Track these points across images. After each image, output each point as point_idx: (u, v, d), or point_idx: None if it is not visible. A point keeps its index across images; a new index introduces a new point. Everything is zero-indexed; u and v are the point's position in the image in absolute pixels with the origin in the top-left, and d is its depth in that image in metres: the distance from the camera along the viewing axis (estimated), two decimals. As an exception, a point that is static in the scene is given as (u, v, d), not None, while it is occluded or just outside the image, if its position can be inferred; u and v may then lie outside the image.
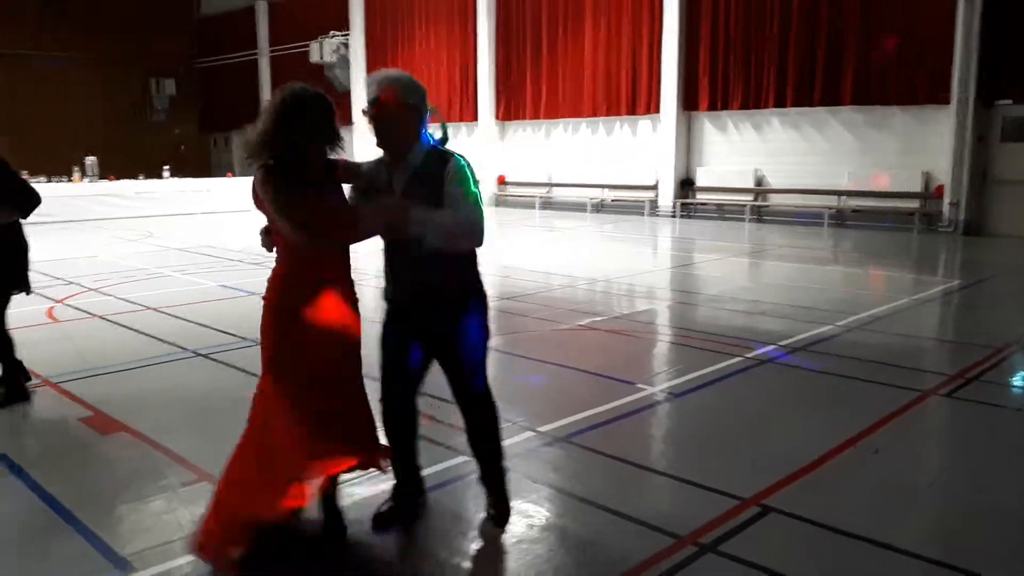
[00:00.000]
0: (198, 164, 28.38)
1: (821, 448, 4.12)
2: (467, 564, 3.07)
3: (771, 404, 5.01)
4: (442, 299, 3.08)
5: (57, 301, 8.19)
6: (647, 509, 3.46)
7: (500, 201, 21.09)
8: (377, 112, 2.94)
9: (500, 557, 3.08)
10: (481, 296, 3.19)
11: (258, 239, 3.16)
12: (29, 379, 5.08)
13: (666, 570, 2.95)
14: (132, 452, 4.16)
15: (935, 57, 13.76)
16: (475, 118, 21.13)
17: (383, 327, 3.23)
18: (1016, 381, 5.53)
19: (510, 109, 20.61)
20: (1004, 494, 3.66)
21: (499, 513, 3.29)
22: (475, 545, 3.20)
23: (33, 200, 4.84)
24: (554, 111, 19.54)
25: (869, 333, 6.76)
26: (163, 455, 4.08)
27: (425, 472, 3.86)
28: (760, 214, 16.73)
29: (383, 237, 3.08)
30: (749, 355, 5.97)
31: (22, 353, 5.07)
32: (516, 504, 3.47)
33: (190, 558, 3.03)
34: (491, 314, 3.23)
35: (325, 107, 2.95)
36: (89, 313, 7.63)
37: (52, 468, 3.94)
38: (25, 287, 5.02)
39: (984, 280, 9.77)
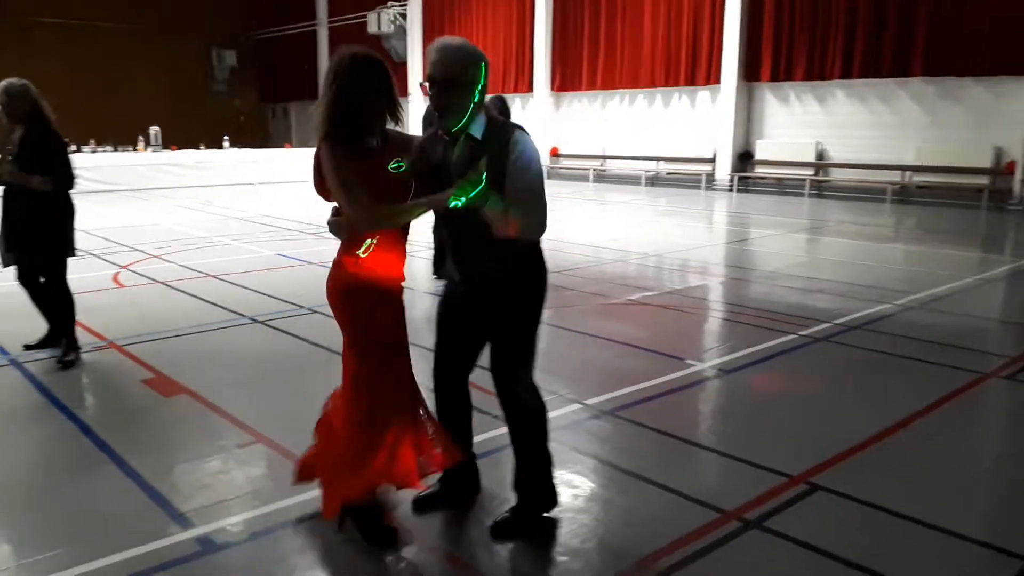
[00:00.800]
0: (257, 135, 28.89)
1: (873, 428, 4.05)
2: (511, 531, 3.11)
3: (824, 383, 4.93)
4: (503, 287, 2.96)
5: (122, 267, 8.47)
6: (693, 483, 3.46)
7: (553, 173, 20.99)
8: (429, 86, 2.83)
9: (546, 526, 3.12)
10: (539, 286, 3.04)
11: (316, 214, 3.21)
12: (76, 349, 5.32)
13: (710, 543, 2.96)
14: (191, 413, 4.32)
15: (1012, 25, 13.15)
16: (530, 89, 21.00)
17: (443, 302, 3.17)
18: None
19: (566, 80, 20.42)
20: (1065, 480, 3.56)
21: (520, 512, 3.11)
22: (520, 513, 3.24)
23: (68, 183, 5.03)
24: (611, 82, 19.30)
25: (929, 313, 6.58)
26: (221, 417, 4.23)
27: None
28: (821, 189, 16.32)
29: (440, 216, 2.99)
30: (803, 332, 5.88)
31: (90, 317, 5.30)
32: (561, 475, 3.51)
33: (245, 516, 3.15)
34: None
35: (380, 69, 2.81)
36: (152, 279, 7.89)
37: (116, 427, 4.11)
38: (72, 251, 5.28)
39: (1055, 260, 9.39)
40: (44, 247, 5.09)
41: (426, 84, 2.84)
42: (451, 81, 2.79)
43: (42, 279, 5.21)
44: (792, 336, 5.80)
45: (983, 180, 13.98)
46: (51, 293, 5.22)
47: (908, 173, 14.88)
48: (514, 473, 3.14)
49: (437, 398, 3.22)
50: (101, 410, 4.49)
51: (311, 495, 3.32)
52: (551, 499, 3.14)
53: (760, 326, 6.11)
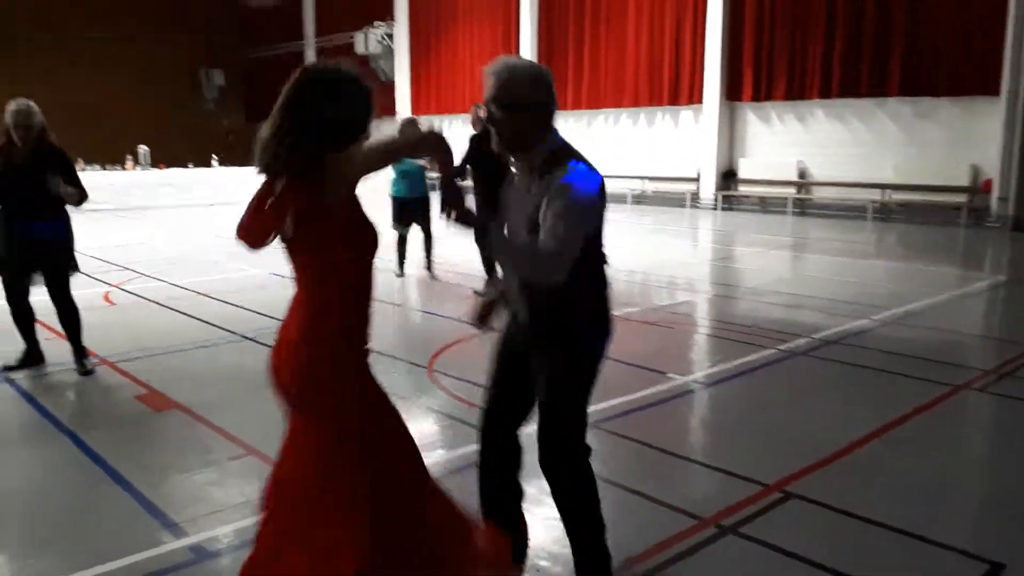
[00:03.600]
0: (246, 154, 28.91)
1: (848, 438, 4.19)
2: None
3: (801, 395, 5.07)
4: (538, 329, 2.67)
5: (113, 286, 8.54)
6: (670, 492, 3.58)
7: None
8: (485, 114, 2.57)
9: (529, 534, 3.22)
10: (580, 337, 2.64)
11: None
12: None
13: (685, 549, 3.08)
14: (183, 427, 4.40)
15: (985, 46, 13.47)
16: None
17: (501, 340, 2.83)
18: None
19: (552, 100, 20.66)
20: (1029, 487, 3.70)
21: None
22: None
23: (86, 196, 5.28)
24: (596, 101, 19.55)
25: (906, 328, 6.75)
26: (212, 431, 4.31)
27: (459, 452, 4.04)
28: (803, 207, 16.58)
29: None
30: (782, 347, 6.02)
31: (86, 334, 5.45)
32: (543, 484, 3.60)
33: (237, 525, 3.24)
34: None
35: (362, 92, 2.30)
36: (143, 297, 7.96)
37: (110, 441, 4.19)
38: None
39: (1030, 276, 9.61)
40: (67, 258, 5.30)
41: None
42: (488, 109, 2.60)
43: (51, 293, 5.33)
44: (771, 351, 5.94)
45: (961, 198, 14.26)
46: (63, 306, 5.33)
47: (888, 191, 15.14)
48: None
49: (482, 458, 2.90)
50: (95, 424, 4.56)
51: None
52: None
53: (741, 341, 6.25)
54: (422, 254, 9.16)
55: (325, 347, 2.31)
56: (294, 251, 2.30)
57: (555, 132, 2.59)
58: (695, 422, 4.75)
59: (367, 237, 2.32)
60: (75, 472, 3.83)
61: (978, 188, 14.06)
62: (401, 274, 9.04)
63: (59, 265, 5.29)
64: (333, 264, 2.28)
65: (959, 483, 3.80)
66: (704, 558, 3.03)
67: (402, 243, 9.13)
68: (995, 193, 13.76)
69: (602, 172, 2.60)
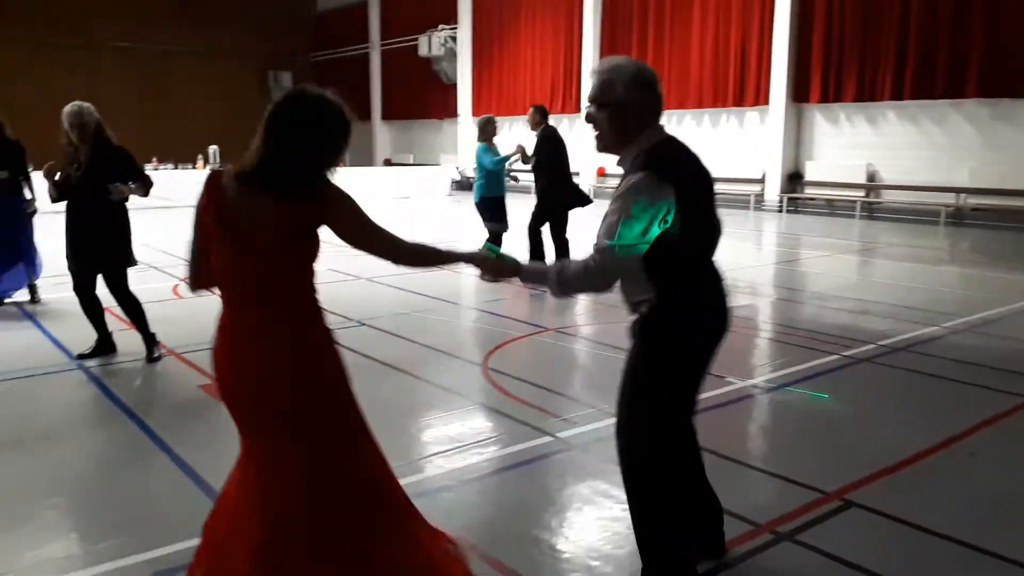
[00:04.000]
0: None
1: (913, 448, 4.05)
2: (548, 536, 3.21)
3: (866, 403, 4.93)
4: (633, 320, 2.68)
5: (181, 279, 8.81)
6: (727, 497, 3.47)
7: (599, 193, 21.08)
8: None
9: (582, 534, 3.22)
10: (658, 333, 2.59)
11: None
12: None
13: (741, 554, 3.02)
14: (245, 418, 4.51)
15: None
16: (578, 109, 21.17)
17: None
18: None
19: (614, 101, 20.55)
20: (1108, 504, 3.52)
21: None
22: (556, 521, 3.34)
23: (150, 183, 5.48)
24: (659, 103, 19.36)
25: (978, 336, 6.50)
26: (272, 422, 4.41)
27: (513, 449, 4.06)
28: (872, 211, 16.12)
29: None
30: (847, 353, 5.86)
31: (154, 327, 5.64)
32: (597, 485, 3.60)
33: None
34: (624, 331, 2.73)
35: (337, 124, 2.46)
36: (209, 291, 8.17)
37: (174, 428, 4.33)
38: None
39: (1115, 285, 9.14)
40: (121, 255, 5.47)
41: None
42: (589, 107, 2.74)
43: (109, 289, 5.51)
44: (835, 356, 5.79)
45: (1041, 203, 13.67)
46: (122, 300, 5.53)
47: (962, 195, 14.61)
48: None
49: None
50: (160, 411, 4.72)
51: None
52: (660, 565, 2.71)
53: (804, 346, 6.11)
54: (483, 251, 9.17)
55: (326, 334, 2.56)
56: (292, 249, 2.45)
57: (655, 131, 2.59)
58: (754, 427, 4.65)
59: None
60: (140, 456, 3.97)
61: (1060, 193, 13.46)
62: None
63: (116, 259, 5.46)
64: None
65: (1032, 498, 3.64)
66: (759, 564, 2.97)
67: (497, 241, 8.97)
68: (1078, 198, 13.15)
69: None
